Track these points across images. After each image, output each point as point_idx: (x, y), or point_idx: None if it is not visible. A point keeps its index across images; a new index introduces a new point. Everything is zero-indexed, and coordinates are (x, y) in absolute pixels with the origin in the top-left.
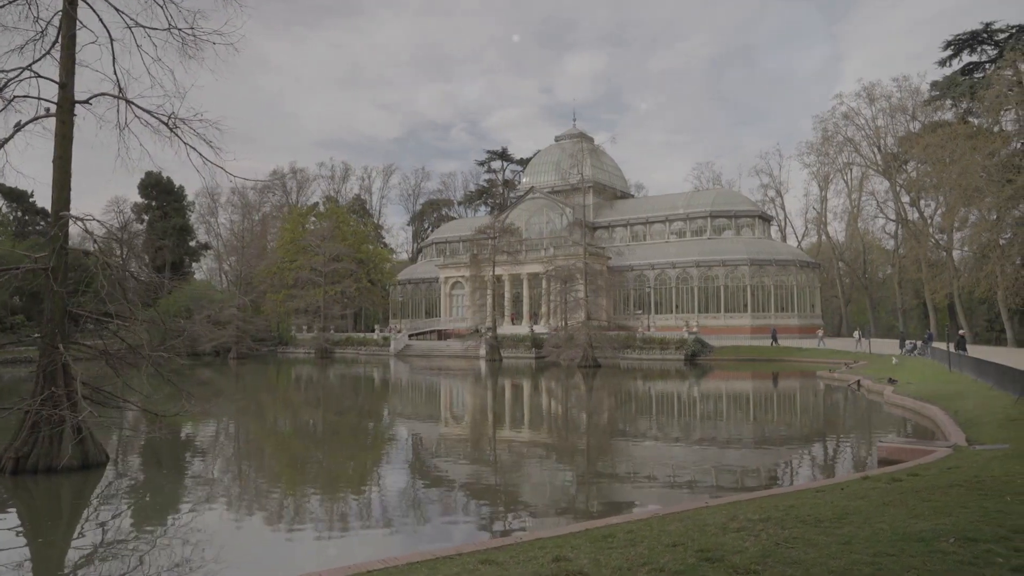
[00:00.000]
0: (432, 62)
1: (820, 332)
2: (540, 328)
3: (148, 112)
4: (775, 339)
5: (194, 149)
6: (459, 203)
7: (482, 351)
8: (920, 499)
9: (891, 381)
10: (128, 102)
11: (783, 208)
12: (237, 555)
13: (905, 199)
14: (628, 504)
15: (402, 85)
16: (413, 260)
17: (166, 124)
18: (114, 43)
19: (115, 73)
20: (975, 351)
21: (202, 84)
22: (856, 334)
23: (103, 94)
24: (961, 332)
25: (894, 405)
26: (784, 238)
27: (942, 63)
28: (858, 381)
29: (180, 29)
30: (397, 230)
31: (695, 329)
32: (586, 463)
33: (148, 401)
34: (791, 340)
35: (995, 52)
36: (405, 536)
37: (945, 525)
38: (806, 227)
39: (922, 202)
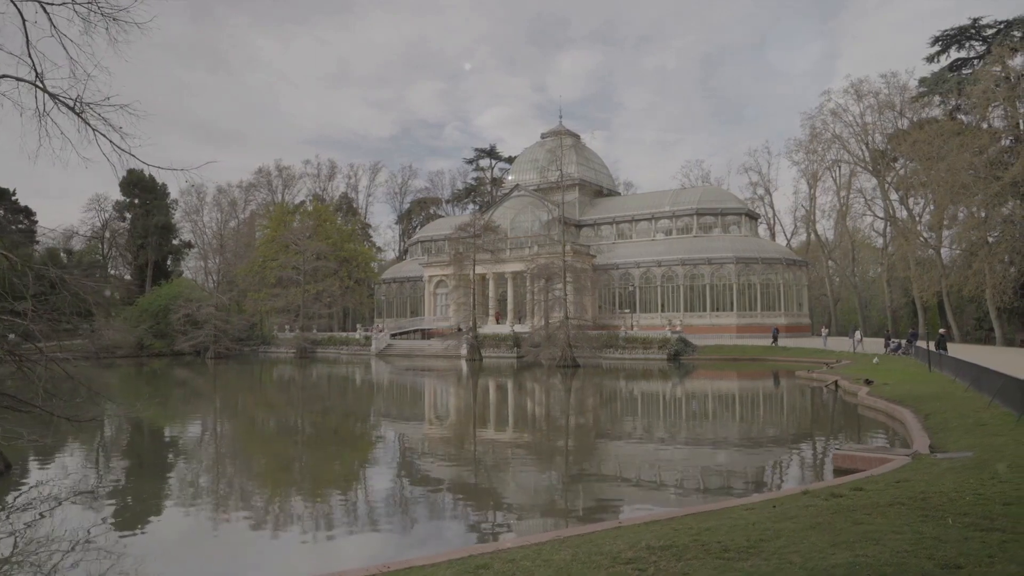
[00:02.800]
0: (424, 60)
1: (824, 331)
2: (522, 327)
3: (54, 96)
4: (775, 338)
5: (103, 135)
6: (447, 201)
7: (463, 351)
8: (852, 521)
9: (867, 382)
10: (34, 85)
11: (772, 206)
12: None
13: (894, 197)
14: (563, 513)
15: (394, 83)
16: (401, 259)
17: (72, 108)
18: (26, 23)
19: (29, 56)
20: (964, 350)
21: (109, 66)
22: (858, 334)
23: (4, 76)
24: (942, 331)
25: (867, 407)
26: (773, 236)
27: (930, 59)
28: (835, 382)
29: (79, 3)
30: (384, 228)
31: (678, 328)
32: (535, 468)
33: (69, 406)
34: (779, 339)
35: (983, 48)
36: (294, 550)
37: (867, 557)
38: (795, 225)
39: (911, 200)
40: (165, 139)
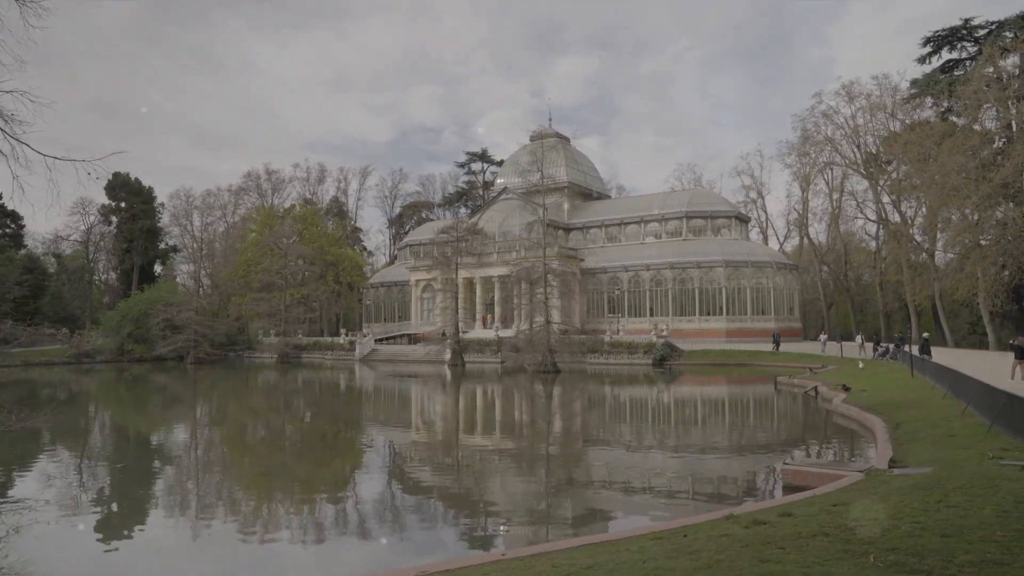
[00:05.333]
0: (421, 65)
1: (823, 336)
2: (506, 332)
3: None
4: (777, 344)
5: None
6: (439, 205)
7: (446, 356)
8: (759, 558)
9: (844, 388)
10: None
11: (764, 210)
12: None
13: (886, 200)
14: (498, 524)
15: (392, 88)
16: (392, 263)
17: None
18: None
19: None
20: (953, 355)
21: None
22: (858, 338)
23: None
24: (925, 335)
25: (840, 415)
26: (766, 240)
27: (921, 60)
28: (815, 388)
29: None
30: (375, 233)
31: (664, 332)
32: (468, 481)
33: None
34: (768, 343)
35: (975, 49)
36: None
37: None
38: (788, 229)
39: (904, 203)
40: (163, 141)
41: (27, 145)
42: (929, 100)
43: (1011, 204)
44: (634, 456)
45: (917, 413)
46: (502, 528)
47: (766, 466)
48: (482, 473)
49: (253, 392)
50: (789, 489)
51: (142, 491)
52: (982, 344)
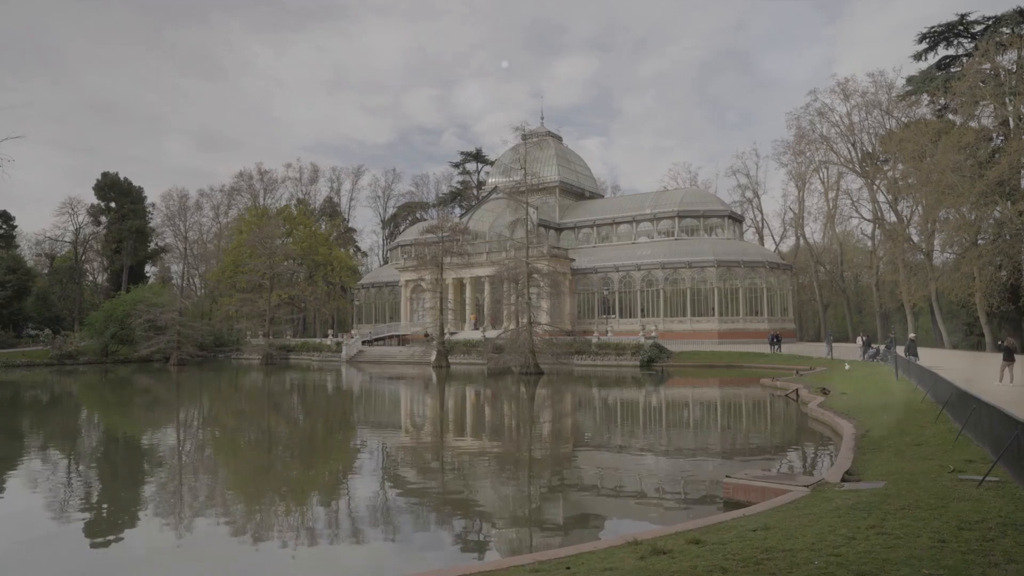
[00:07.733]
0: (421, 67)
1: (829, 337)
2: (494, 333)
3: None
4: (778, 344)
5: None
6: (433, 205)
7: (431, 357)
8: None
9: (824, 391)
10: None
11: (760, 210)
12: None
13: (882, 199)
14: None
15: (391, 89)
16: (385, 264)
17: None
18: None
19: None
20: (945, 356)
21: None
22: (859, 339)
23: None
24: (911, 336)
25: (815, 419)
26: (762, 240)
27: (917, 57)
28: (796, 390)
29: None
30: (368, 233)
31: (653, 334)
32: (410, 490)
33: None
34: (760, 345)
35: (972, 45)
36: None
37: None
38: (784, 229)
39: (900, 202)
40: (162, 143)
41: None
42: (925, 97)
43: (1008, 203)
44: (581, 463)
45: (890, 418)
46: (394, 547)
47: (715, 477)
48: (409, 480)
49: (221, 395)
50: (730, 505)
51: (95, 500)
52: (980, 345)
